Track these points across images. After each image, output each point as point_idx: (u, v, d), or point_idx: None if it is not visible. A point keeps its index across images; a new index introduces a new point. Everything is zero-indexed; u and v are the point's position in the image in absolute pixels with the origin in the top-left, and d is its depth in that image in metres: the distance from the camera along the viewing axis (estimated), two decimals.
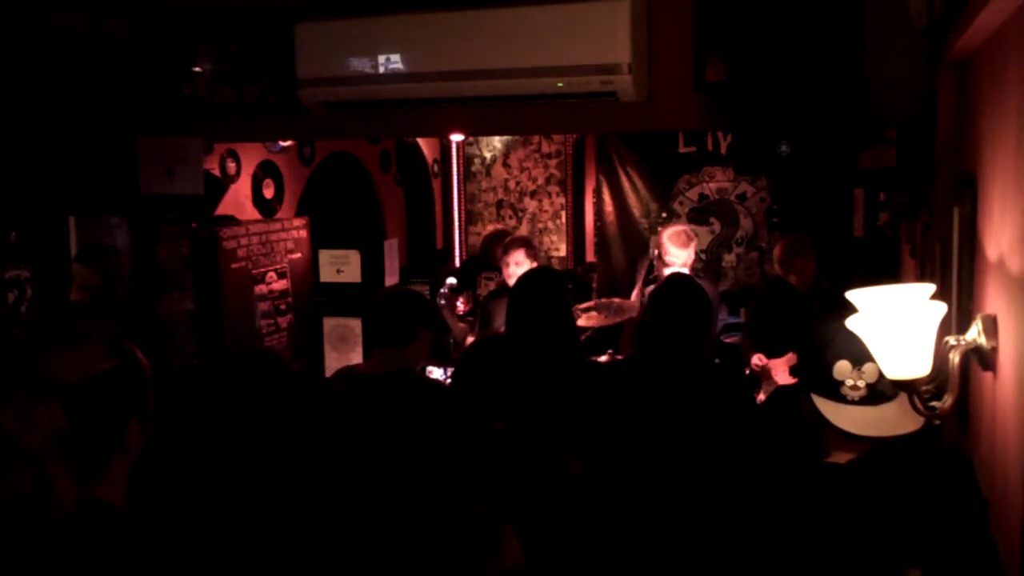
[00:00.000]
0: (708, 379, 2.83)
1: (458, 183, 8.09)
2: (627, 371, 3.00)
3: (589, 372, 3.30)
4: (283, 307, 5.12)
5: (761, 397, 4.25)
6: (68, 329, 1.47)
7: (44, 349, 1.42)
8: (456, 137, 7.47)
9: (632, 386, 2.79)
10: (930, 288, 1.89)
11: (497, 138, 7.81)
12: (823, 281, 4.68)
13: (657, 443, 2.66)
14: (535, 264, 4.71)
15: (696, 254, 6.93)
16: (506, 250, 4.62)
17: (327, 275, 5.20)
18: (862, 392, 2.07)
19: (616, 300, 5.33)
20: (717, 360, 5.48)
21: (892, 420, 2.05)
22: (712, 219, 7.17)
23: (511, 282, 4.55)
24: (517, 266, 4.57)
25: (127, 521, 1.42)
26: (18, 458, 1.30)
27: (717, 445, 2.64)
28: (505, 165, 7.94)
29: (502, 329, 4.42)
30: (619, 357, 4.98)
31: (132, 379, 1.46)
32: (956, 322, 2.14)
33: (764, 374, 4.27)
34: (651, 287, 4.61)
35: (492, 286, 5.25)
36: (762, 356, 4.32)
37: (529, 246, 4.67)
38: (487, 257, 5.68)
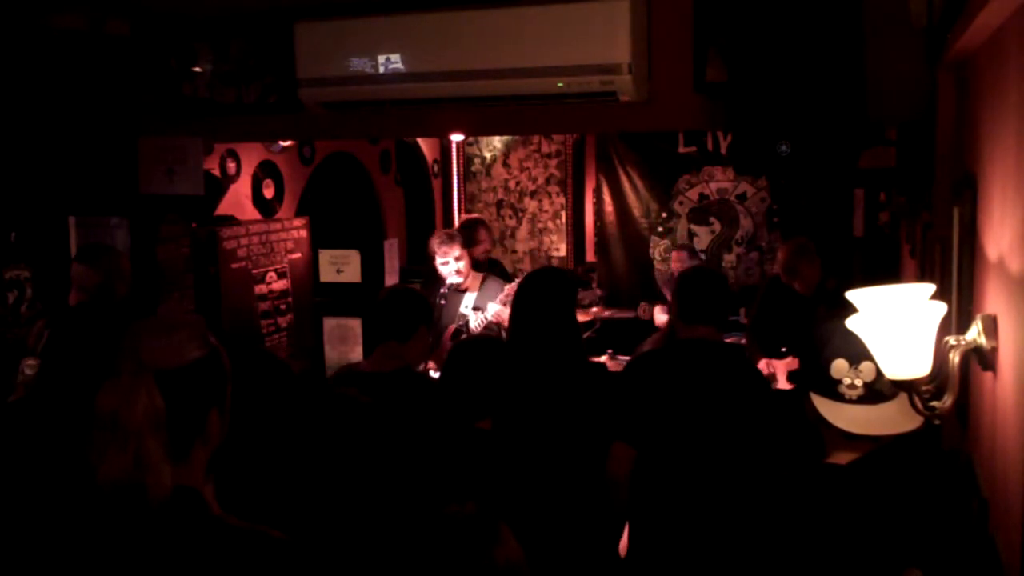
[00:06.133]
0: (740, 361, 2.84)
1: (458, 183, 8.09)
2: (664, 357, 3.00)
3: (590, 372, 3.30)
4: (283, 307, 5.12)
5: None
6: (166, 319, 1.55)
7: (141, 336, 1.46)
8: (456, 137, 7.47)
9: (673, 370, 2.80)
10: (930, 288, 1.89)
11: (497, 138, 7.81)
12: (829, 283, 4.66)
13: (703, 425, 2.66)
14: (472, 254, 4.63)
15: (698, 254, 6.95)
16: (442, 246, 4.49)
17: (327, 275, 5.19)
18: (860, 391, 2.07)
19: None
20: None
21: (891, 419, 2.05)
22: (712, 219, 7.17)
23: (451, 281, 4.50)
24: (457, 261, 4.48)
25: (211, 510, 1.47)
26: (119, 436, 1.37)
27: (755, 422, 2.64)
28: (505, 165, 7.94)
29: (450, 324, 4.44)
30: (619, 357, 4.98)
31: (217, 371, 1.52)
32: (956, 322, 2.14)
33: (771, 378, 4.28)
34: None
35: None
36: (769, 361, 4.33)
37: (460, 240, 4.55)
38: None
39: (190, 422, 1.46)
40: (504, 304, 4.42)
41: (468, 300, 4.58)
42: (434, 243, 4.55)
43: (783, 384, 4.19)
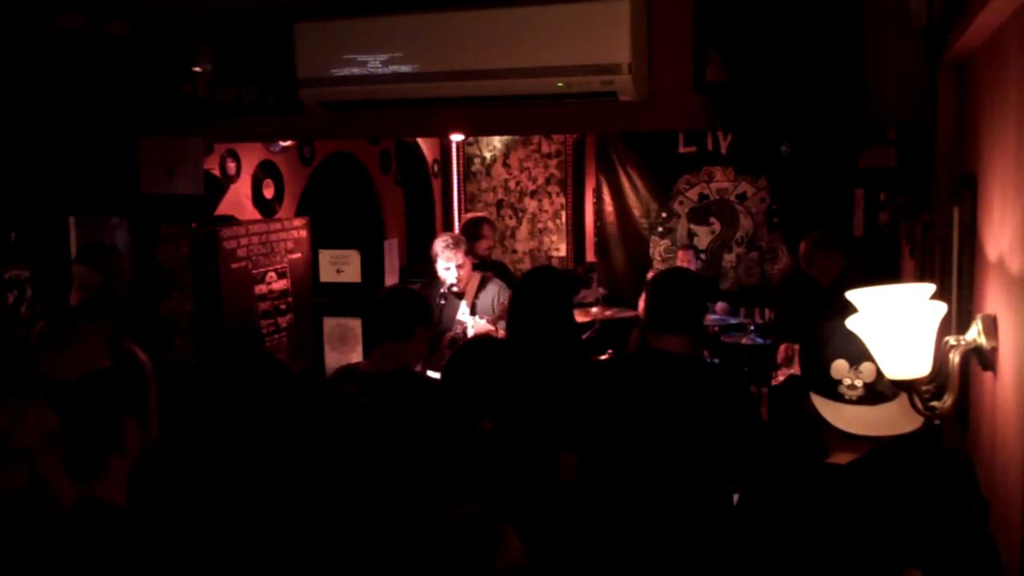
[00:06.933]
0: (703, 378, 2.83)
1: (458, 183, 8.09)
2: (622, 367, 2.99)
3: (587, 371, 3.30)
4: (283, 307, 5.12)
5: (779, 379, 4.29)
6: (69, 328, 1.49)
7: (43, 348, 1.43)
8: (456, 137, 7.47)
9: (627, 383, 2.79)
10: (930, 288, 1.89)
11: (497, 138, 7.81)
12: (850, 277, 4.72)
13: (647, 440, 2.67)
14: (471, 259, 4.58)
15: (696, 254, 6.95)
16: (446, 251, 4.44)
17: (327, 275, 5.20)
18: (860, 392, 2.06)
19: None
20: (717, 360, 5.50)
21: (891, 420, 2.04)
22: (712, 219, 7.17)
23: (450, 283, 4.47)
24: (459, 268, 4.45)
25: (126, 520, 1.42)
26: (12, 456, 1.31)
27: (707, 443, 2.64)
28: (505, 165, 7.94)
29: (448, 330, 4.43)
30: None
31: (130, 378, 1.46)
32: (956, 322, 2.14)
33: (786, 361, 4.33)
34: None
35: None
36: (790, 344, 4.38)
37: (464, 247, 4.52)
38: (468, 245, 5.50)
39: (101, 434, 1.42)
40: (491, 323, 4.39)
41: (465, 305, 4.57)
42: (438, 246, 4.52)
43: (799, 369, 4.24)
